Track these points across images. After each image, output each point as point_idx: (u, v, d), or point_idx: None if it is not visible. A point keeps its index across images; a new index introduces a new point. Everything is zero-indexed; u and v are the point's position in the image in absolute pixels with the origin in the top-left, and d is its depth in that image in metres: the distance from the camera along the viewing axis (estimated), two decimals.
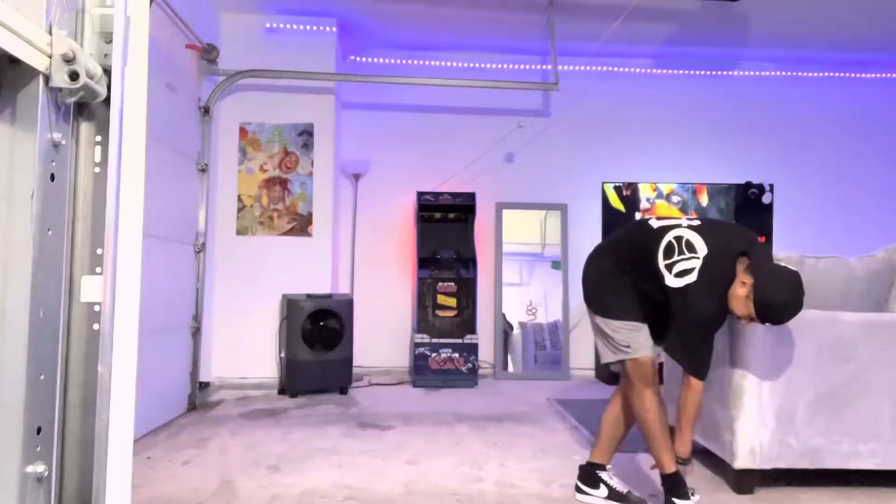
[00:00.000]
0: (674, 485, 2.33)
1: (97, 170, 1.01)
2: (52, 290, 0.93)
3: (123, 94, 0.99)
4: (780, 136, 6.11)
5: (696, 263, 2.21)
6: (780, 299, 2.15)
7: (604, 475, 2.52)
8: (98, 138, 1.01)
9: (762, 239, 5.71)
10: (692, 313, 2.24)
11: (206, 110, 4.56)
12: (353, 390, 4.86)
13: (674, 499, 2.30)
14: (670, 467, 2.33)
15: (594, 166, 5.96)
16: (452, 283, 5.39)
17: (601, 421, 2.60)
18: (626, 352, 2.38)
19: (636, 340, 2.37)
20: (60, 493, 0.96)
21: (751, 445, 2.57)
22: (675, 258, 2.26)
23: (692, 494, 2.32)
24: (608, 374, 5.28)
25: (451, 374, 5.11)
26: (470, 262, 5.43)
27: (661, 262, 2.29)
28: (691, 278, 2.20)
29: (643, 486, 2.62)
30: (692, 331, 2.27)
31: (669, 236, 2.31)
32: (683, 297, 2.22)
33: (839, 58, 5.95)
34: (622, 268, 2.43)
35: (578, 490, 2.56)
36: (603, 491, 2.50)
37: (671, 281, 2.24)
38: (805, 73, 6.12)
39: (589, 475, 2.55)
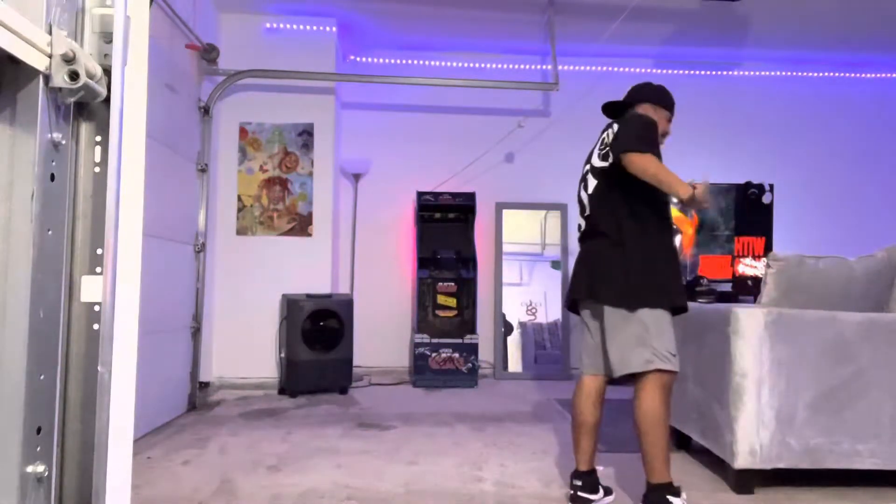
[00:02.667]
0: (668, 489, 2.29)
1: (97, 170, 1.01)
2: (52, 290, 0.93)
3: (123, 94, 0.99)
4: (780, 136, 6.11)
5: (617, 128, 2.38)
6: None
7: (598, 476, 2.50)
8: (98, 138, 1.01)
9: (762, 239, 5.81)
10: (629, 136, 2.28)
11: (205, 110, 4.56)
12: (353, 390, 4.86)
13: (668, 496, 2.27)
14: (669, 476, 2.29)
15: None
16: (452, 283, 5.39)
17: (580, 427, 2.47)
18: (673, 362, 2.25)
19: (676, 347, 2.28)
20: (60, 493, 0.96)
21: (751, 445, 2.57)
22: (601, 149, 2.45)
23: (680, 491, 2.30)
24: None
25: (451, 374, 5.11)
26: (470, 262, 5.43)
27: (601, 164, 2.42)
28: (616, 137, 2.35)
29: (635, 488, 2.61)
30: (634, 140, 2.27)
31: (593, 158, 2.49)
32: (617, 140, 2.30)
33: (839, 58, 5.95)
34: (622, 227, 2.33)
35: (579, 501, 2.47)
36: (601, 492, 2.49)
37: (601, 161, 2.40)
38: (805, 73, 6.12)
39: (590, 482, 2.49)
